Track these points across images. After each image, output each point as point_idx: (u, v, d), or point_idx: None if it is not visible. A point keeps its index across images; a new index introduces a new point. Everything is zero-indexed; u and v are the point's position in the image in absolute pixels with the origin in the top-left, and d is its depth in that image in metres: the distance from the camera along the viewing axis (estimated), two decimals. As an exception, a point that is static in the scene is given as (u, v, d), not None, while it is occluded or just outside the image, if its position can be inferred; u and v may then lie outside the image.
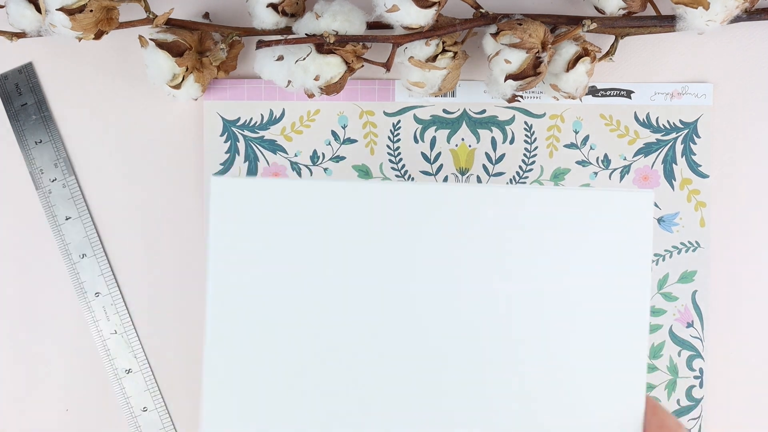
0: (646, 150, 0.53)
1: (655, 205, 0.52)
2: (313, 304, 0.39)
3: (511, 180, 0.53)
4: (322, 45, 0.46)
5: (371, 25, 0.48)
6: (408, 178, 0.53)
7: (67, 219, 0.53)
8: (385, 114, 0.53)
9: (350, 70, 0.48)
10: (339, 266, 0.39)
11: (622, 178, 0.53)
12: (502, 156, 0.53)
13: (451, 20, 0.48)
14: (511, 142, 0.53)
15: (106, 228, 0.53)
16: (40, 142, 0.53)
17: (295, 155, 0.53)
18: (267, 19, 0.48)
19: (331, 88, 0.48)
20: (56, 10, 0.45)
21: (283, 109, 0.53)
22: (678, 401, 0.54)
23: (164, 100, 0.53)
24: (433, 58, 0.47)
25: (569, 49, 0.47)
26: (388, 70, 0.48)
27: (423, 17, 0.46)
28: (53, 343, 0.53)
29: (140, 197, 0.53)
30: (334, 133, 0.53)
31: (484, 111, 0.53)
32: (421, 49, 0.47)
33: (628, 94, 0.53)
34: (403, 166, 0.53)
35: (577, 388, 0.40)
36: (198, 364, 0.53)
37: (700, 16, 0.46)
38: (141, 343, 0.53)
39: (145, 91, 0.53)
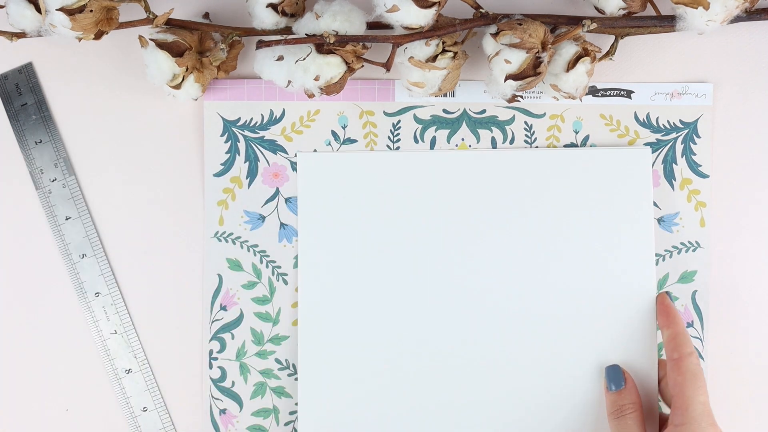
0: (646, 150, 0.53)
1: (655, 204, 0.53)
2: (392, 266, 0.52)
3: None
4: (322, 45, 0.46)
5: (371, 25, 0.48)
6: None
7: (67, 219, 0.53)
8: (385, 114, 0.53)
9: (350, 70, 0.48)
10: (411, 220, 0.52)
11: (622, 178, 0.54)
12: (502, 156, 0.54)
13: (451, 20, 0.48)
14: (511, 142, 0.53)
15: (106, 228, 0.53)
16: (40, 142, 0.53)
17: (295, 155, 0.53)
18: (267, 19, 0.48)
19: (331, 88, 0.48)
20: (56, 10, 0.45)
21: (283, 109, 0.53)
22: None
23: (164, 100, 0.53)
24: (433, 58, 0.47)
25: (569, 49, 0.47)
26: (388, 70, 0.48)
27: (423, 17, 0.46)
28: (53, 343, 0.53)
29: (140, 197, 0.53)
30: (334, 133, 0.53)
31: (484, 111, 0.53)
32: (421, 49, 0.47)
33: (628, 94, 0.53)
34: (403, 166, 0.53)
35: (592, 326, 0.51)
36: (198, 364, 0.53)
37: (700, 16, 0.46)
38: (141, 343, 0.53)
39: (145, 91, 0.53)
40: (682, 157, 0.53)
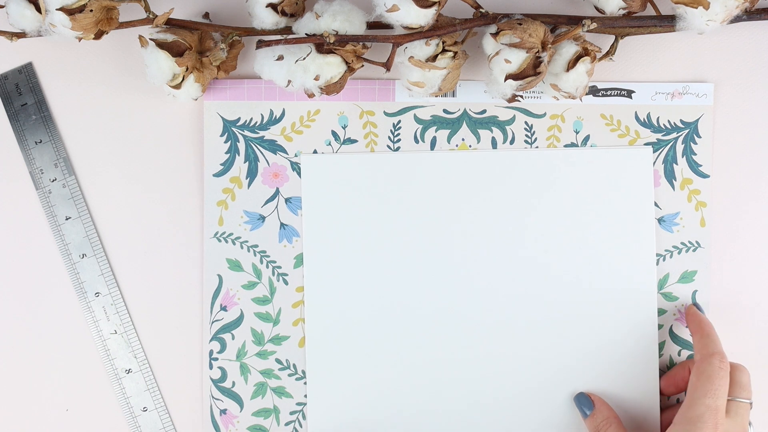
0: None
1: (656, 204, 0.53)
2: (395, 258, 0.52)
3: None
4: (322, 45, 0.46)
5: (371, 25, 0.48)
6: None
7: (67, 219, 0.53)
8: (386, 114, 0.53)
9: (350, 70, 0.48)
10: (414, 220, 0.52)
11: (622, 178, 0.53)
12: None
13: (451, 20, 0.48)
14: (512, 142, 0.53)
15: (106, 228, 0.53)
16: (40, 142, 0.53)
17: (296, 155, 0.53)
18: (267, 19, 0.48)
19: (331, 88, 0.48)
20: (56, 10, 0.45)
21: (283, 109, 0.52)
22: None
23: (164, 100, 0.53)
24: (433, 58, 0.47)
25: (569, 49, 0.47)
26: (388, 70, 0.48)
27: (423, 17, 0.46)
28: (53, 343, 0.53)
29: (140, 197, 0.53)
30: (334, 133, 0.53)
31: (484, 111, 0.53)
32: (421, 49, 0.47)
33: (629, 93, 0.53)
34: (404, 166, 0.53)
35: (597, 317, 0.52)
36: (198, 364, 0.53)
37: (700, 16, 0.46)
38: (141, 343, 0.53)
39: (145, 91, 0.53)
40: (682, 157, 0.53)
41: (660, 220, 0.53)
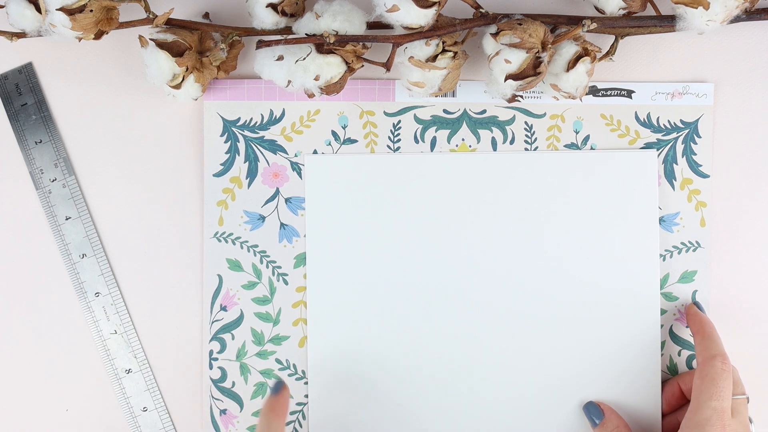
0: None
1: (656, 205, 0.53)
2: (397, 256, 0.52)
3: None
4: (322, 45, 0.46)
5: (371, 25, 0.48)
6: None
7: (67, 219, 0.53)
8: (386, 114, 0.53)
9: (350, 70, 0.48)
10: (417, 223, 0.52)
11: (622, 178, 0.53)
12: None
13: (451, 20, 0.48)
14: (512, 142, 0.53)
15: (106, 228, 0.53)
16: (40, 142, 0.53)
17: (295, 155, 0.53)
18: (267, 19, 0.48)
19: (331, 88, 0.48)
20: (56, 10, 0.45)
21: (283, 109, 0.52)
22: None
23: (164, 100, 0.53)
24: (433, 58, 0.47)
25: (569, 49, 0.47)
26: (388, 70, 0.48)
27: (423, 17, 0.46)
28: (53, 343, 0.53)
29: (140, 197, 0.53)
30: (334, 133, 0.53)
31: (484, 111, 0.53)
32: (421, 49, 0.47)
33: (629, 93, 0.53)
34: (404, 166, 0.53)
35: (599, 317, 0.52)
36: (198, 364, 0.53)
37: (700, 16, 0.46)
38: (141, 343, 0.53)
39: (145, 91, 0.53)
40: (682, 157, 0.53)
41: (660, 220, 0.53)
